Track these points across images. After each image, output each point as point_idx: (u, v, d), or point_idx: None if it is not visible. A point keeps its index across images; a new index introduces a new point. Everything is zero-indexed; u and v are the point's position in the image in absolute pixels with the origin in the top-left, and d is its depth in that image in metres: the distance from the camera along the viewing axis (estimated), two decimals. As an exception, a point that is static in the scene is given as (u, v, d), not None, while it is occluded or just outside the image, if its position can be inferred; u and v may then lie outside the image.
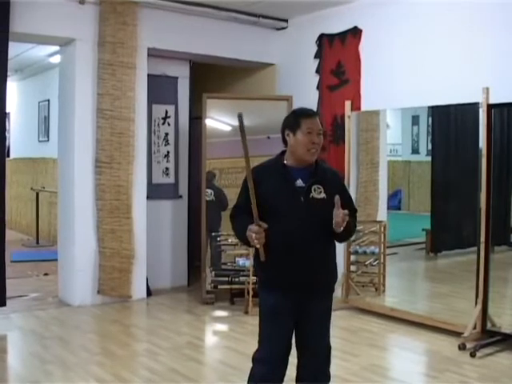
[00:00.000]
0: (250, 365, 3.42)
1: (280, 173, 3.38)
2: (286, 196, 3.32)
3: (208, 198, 7.32)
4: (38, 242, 11.33)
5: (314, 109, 7.56)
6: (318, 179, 3.35)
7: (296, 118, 3.37)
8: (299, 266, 3.29)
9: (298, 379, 3.51)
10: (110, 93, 6.87)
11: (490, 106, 5.54)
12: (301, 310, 3.38)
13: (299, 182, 3.34)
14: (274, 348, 3.39)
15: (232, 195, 7.33)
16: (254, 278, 6.29)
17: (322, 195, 3.32)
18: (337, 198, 3.18)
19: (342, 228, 3.20)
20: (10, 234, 11.23)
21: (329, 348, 3.50)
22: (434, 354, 5.39)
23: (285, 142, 3.43)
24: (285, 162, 3.42)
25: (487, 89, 5.52)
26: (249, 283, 6.59)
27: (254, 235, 3.17)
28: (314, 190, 3.32)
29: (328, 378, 3.50)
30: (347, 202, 3.42)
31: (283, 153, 3.47)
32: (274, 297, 3.35)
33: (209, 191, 7.35)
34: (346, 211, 3.18)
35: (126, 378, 4.69)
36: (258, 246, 3.21)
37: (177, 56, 7.81)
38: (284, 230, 3.27)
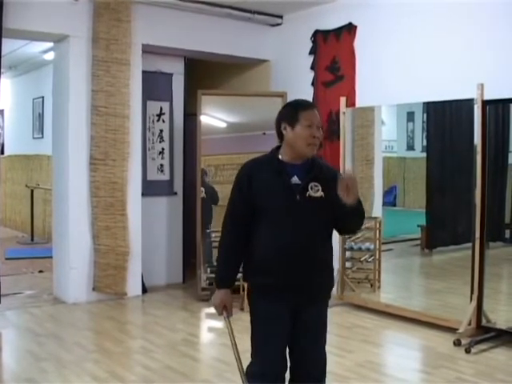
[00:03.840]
0: (246, 362, 3.20)
1: (274, 168, 3.15)
2: (281, 194, 3.11)
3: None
4: (32, 239, 11.29)
5: (309, 105, 7.57)
6: (315, 176, 3.13)
7: (294, 111, 3.14)
8: (294, 268, 3.07)
9: None
10: (105, 89, 6.86)
11: (484, 102, 5.54)
12: (297, 318, 3.16)
13: (295, 179, 3.11)
14: (271, 360, 3.16)
15: (228, 192, 7.30)
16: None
17: (320, 193, 3.10)
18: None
19: (354, 197, 3.00)
20: (4, 232, 11.26)
21: (325, 358, 3.29)
22: (428, 350, 5.40)
23: (280, 135, 3.20)
24: (279, 157, 3.19)
25: (482, 85, 5.52)
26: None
27: (214, 308, 3.23)
28: (311, 188, 3.10)
29: None
30: None
31: (278, 148, 3.23)
32: (269, 302, 3.13)
33: (201, 189, 7.32)
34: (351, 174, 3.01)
35: (121, 375, 4.68)
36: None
37: (171, 52, 7.80)
38: (278, 230, 3.09)
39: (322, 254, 3.19)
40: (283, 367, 3.21)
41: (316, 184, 3.11)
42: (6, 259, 9.08)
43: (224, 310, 3.22)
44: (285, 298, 3.12)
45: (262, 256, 3.13)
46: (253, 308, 3.25)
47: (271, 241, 3.11)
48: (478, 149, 5.54)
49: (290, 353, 3.24)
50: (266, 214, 3.13)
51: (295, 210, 3.10)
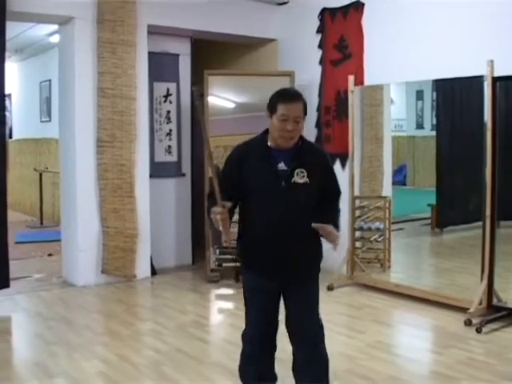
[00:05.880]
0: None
1: (263, 154, 3.29)
2: (267, 180, 3.26)
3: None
4: (42, 223, 11.34)
5: (317, 84, 7.52)
6: (301, 162, 3.25)
7: (275, 101, 3.25)
8: (278, 250, 3.26)
9: (293, 366, 3.50)
10: (111, 71, 6.81)
11: (494, 79, 5.47)
12: (284, 293, 3.40)
13: (281, 166, 3.25)
14: (258, 327, 3.43)
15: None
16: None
17: (305, 179, 3.24)
18: (315, 225, 3.19)
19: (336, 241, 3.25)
20: (14, 216, 11.27)
21: (318, 331, 3.45)
22: (439, 330, 5.38)
23: None
24: (268, 142, 3.32)
25: (492, 61, 5.44)
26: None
27: (217, 216, 3.10)
28: (297, 174, 3.23)
29: (323, 359, 3.45)
30: (332, 188, 3.45)
31: (267, 131, 3.36)
32: (255, 278, 3.38)
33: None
34: (332, 231, 3.21)
35: (130, 358, 4.68)
36: (220, 228, 3.14)
37: (177, 33, 7.72)
38: (264, 214, 3.27)
39: (305, 236, 3.29)
40: (270, 333, 3.44)
41: (302, 170, 3.25)
42: (16, 243, 9.09)
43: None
44: (270, 275, 3.33)
45: (248, 237, 3.36)
46: (243, 281, 3.52)
47: (256, 224, 3.30)
48: (489, 126, 5.48)
49: (285, 325, 3.44)
50: (253, 198, 3.29)
51: (280, 195, 3.24)
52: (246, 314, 3.51)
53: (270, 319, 3.41)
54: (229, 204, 3.15)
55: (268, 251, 3.28)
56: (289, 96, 3.26)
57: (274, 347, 3.52)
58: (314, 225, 3.18)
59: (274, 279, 3.33)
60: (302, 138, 3.34)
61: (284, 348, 3.57)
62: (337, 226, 3.30)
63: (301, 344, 3.42)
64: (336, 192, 3.49)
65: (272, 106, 3.25)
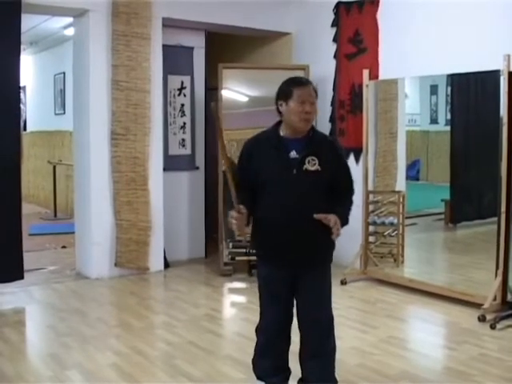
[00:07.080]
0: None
1: (274, 144, 3.39)
2: (279, 168, 3.34)
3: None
4: (55, 215, 11.38)
5: (332, 78, 7.50)
6: (312, 150, 3.34)
7: (289, 88, 3.36)
8: (290, 239, 3.33)
9: (300, 354, 3.57)
10: (125, 64, 6.81)
11: (511, 74, 5.42)
12: (296, 282, 3.44)
13: (293, 154, 3.34)
14: (272, 318, 3.51)
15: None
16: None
17: (316, 167, 3.31)
18: (317, 216, 3.22)
19: (339, 231, 3.26)
20: (28, 208, 11.32)
21: (328, 320, 3.51)
22: (452, 326, 5.35)
23: (279, 112, 3.44)
24: (280, 133, 3.43)
25: (508, 56, 5.41)
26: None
27: (233, 221, 3.24)
28: (308, 162, 3.31)
29: (330, 350, 3.53)
30: (343, 177, 3.47)
31: (279, 123, 3.48)
32: (268, 268, 3.47)
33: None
34: (333, 219, 3.22)
35: (143, 351, 4.69)
36: (237, 232, 3.29)
37: (192, 26, 7.71)
38: (276, 203, 3.33)
39: (317, 224, 3.28)
40: (284, 323, 3.53)
41: (313, 158, 3.32)
42: (30, 235, 9.11)
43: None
44: (283, 264, 3.41)
45: (261, 227, 3.43)
46: (258, 273, 3.63)
47: (269, 213, 3.37)
48: (504, 120, 5.44)
49: (296, 314, 3.54)
50: (266, 188, 3.37)
51: (292, 183, 3.32)
52: (260, 306, 3.58)
53: (283, 309, 3.48)
54: (244, 210, 3.25)
55: (279, 239, 3.34)
56: (301, 81, 3.42)
57: (288, 340, 3.57)
58: (316, 215, 3.22)
59: (286, 268, 3.39)
60: (312, 127, 3.44)
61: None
62: (343, 218, 3.33)
63: (310, 333, 3.48)
64: (347, 182, 3.51)
65: (287, 93, 3.36)
